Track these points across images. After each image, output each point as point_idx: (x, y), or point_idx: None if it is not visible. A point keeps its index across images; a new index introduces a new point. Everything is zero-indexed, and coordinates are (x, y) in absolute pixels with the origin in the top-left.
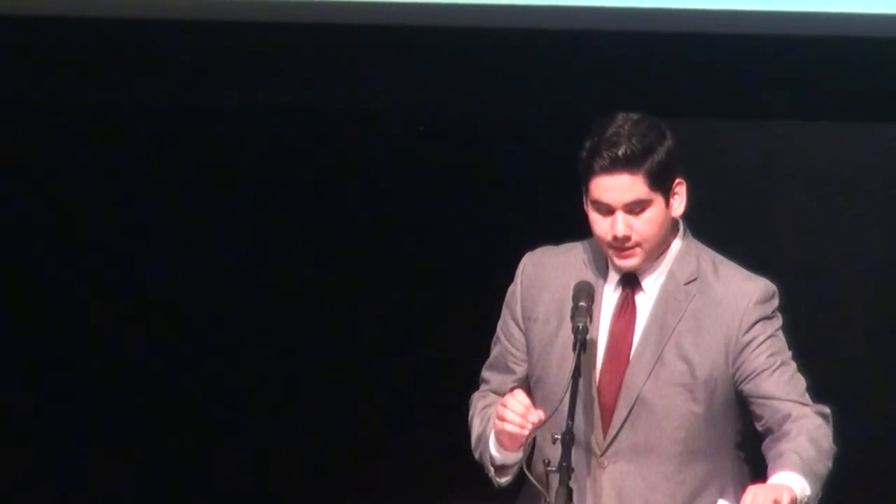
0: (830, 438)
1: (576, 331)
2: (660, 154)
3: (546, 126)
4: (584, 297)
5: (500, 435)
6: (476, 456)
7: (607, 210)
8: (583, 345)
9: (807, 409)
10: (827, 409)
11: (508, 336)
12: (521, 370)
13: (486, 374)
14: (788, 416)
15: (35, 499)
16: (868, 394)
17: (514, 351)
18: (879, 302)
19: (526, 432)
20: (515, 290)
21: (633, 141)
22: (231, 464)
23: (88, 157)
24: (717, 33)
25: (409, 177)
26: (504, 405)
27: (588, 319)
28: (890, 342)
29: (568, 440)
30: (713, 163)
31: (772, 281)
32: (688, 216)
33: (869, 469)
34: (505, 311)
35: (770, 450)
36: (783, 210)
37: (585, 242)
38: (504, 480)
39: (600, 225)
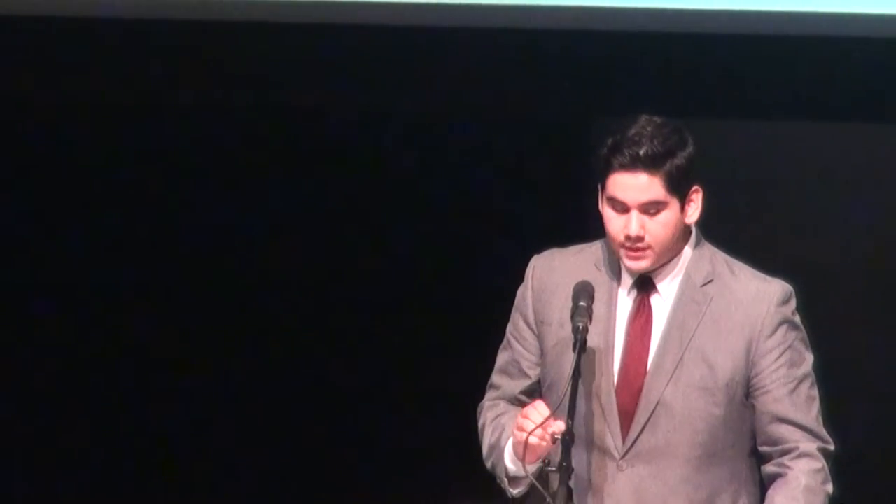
0: (829, 485)
1: (575, 331)
2: (680, 159)
3: (546, 126)
4: (584, 296)
5: (518, 446)
6: (488, 465)
7: (622, 208)
8: (582, 345)
9: (812, 447)
10: (831, 447)
11: (521, 340)
12: (535, 374)
13: (496, 379)
14: (792, 450)
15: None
16: (869, 393)
17: (527, 355)
18: (880, 302)
19: (545, 444)
20: (526, 295)
21: (656, 142)
22: (230, 465)
23: (88, 158)
24: (717, 33)
25: (409, 176)
26: (525, 416)
27: (588, 319)
28: (890, 342)
29: (568, 440)
30: (713, 163)
31: None
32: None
33: (869, 468)
34: (516, 316)
35: (767, 484)
36: (783, 210)
37: (595, 244)
38: (517, 492)
39: (614, 223)
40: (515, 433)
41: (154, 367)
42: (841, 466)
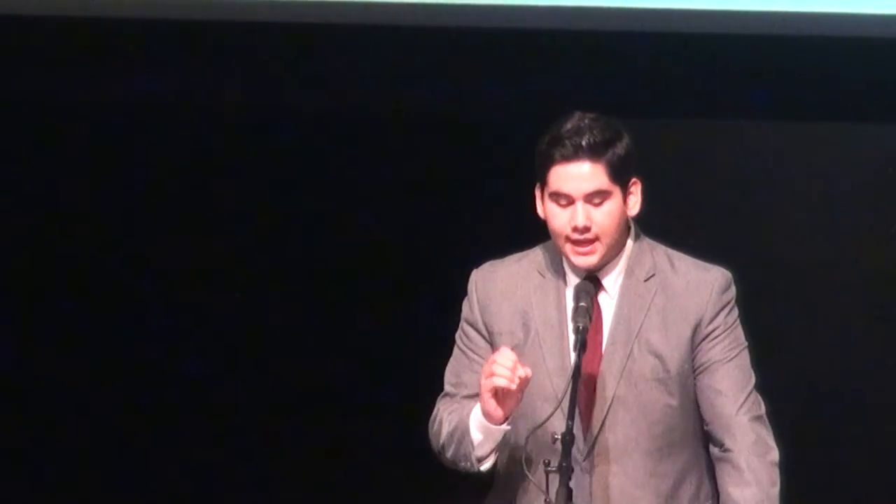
0: (773, 452)
1: (576, 331)
2: (620, 148)
3: (545, 125)
4: (584, 297)
5: (486, 396)
6: (448, 454)
7: (567, 201)
8: (583, 345)
9: (745, 419)
10: (762, 409)
11: (477, 350)
12: None
13: (449, 390)
14: (729, 425)
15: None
16: (866, 392)
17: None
18: (877, 302)
19: (514, 387)
20: (473, 309)
21: (596, 132)
22: (226, 464)
23: (88, 157)
24: (715, 33)
25: (409, 176)
26: (492, 362)
27: (588, 320)
28: (889, 341)
29: (568, 440)
30: (710, 163)
31: (769, 280)
32: (685, 215)
33: (867, 467)
34: (467, 329)
35: (720, 475)
36: (781, 210)
37: (533, 251)
38: (485, 467)
39: (559, 218)
40: (484, 382)
41: (151, 366)
42: (838, 469)
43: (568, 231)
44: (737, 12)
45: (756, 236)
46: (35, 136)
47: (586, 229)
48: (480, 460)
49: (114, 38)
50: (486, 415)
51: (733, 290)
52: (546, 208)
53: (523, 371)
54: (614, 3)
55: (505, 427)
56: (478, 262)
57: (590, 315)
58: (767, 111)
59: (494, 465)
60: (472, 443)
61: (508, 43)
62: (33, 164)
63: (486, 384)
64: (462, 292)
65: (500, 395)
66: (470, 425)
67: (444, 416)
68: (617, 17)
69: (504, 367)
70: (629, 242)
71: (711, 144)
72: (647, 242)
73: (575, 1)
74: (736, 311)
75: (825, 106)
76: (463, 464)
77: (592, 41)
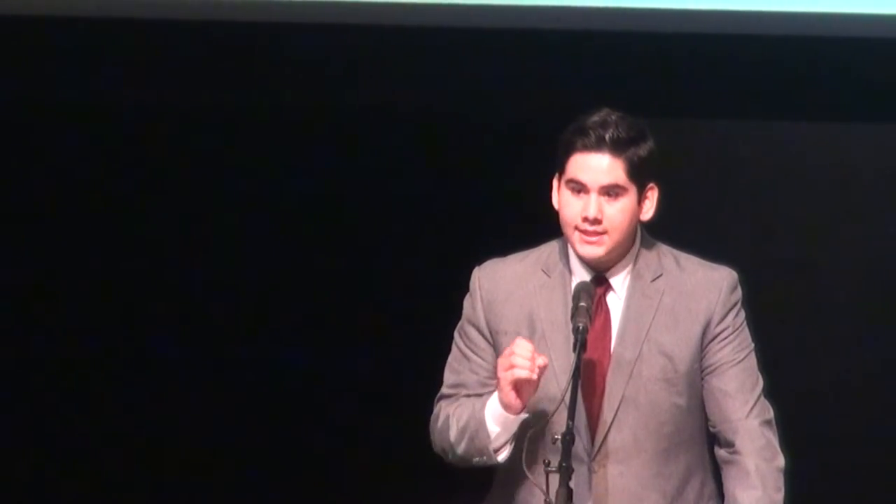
0: (779, 458)
1: (576, 331)
2: (643, 150)
3: (545, 125)
4: (585, 297)
5: (506, 389)
6: (459, 450)
7: (582, 190)
8: (583, 345)
9: (755, 423)
10: (770, 414)
11: (478, 351)
12: (492, 383)
13: (448, 391)
14: (737, 429)
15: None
16: (866, 392)
17: (485, 365)
18: (877, 301)
19: (535, 377)
20: (476, 307)
21: (621, 129)
22: (227, 463)
23: (89, 157)
24: (716, 33)
25: (409, 176)
26: (511, 353)
27: (588, 320)
28: (888, 341)
29: (568, 440)
30: (712, 163)
31: (769, 279)
32: (687, 215)
33: (868, 466)
34: (468, 328)
35: (721, 467)
36: (781, 210)
37: (538, 250)
38: (502, 457)
39: (571, 207)
40: (504, 375)
41: (149, 367)
42: (838, 469)
43: (578, 221)
44: (738, 12)
45: (755, 236)
46: (34, 136)
47: (597, 221)
48: (497, 451)
49: (114, 39)
50: (506, 406)
51: (740, 291)
52: (560, 196)
53: (542, 360)
54: (616, 3)
55: (523, 415)
56: (479, 261)
57: (590, 315)
58: (769, 111)
59: (512, 451)
60: (488, 436)
61: (509, 43)
62: (32, 164)
63: (506, 377)
64: (462, 290)
65: (518, 385)
66: (486, 418)
67: (451, 413)
68: (619, 17)
69: (523, 358)
70: (637, 244)
71: (713, 144)
72: (654, 245)
73: (577, 1)
74: (743, 312)
75: (825, 106)
76: (477, 458)
77: (594, 41)
